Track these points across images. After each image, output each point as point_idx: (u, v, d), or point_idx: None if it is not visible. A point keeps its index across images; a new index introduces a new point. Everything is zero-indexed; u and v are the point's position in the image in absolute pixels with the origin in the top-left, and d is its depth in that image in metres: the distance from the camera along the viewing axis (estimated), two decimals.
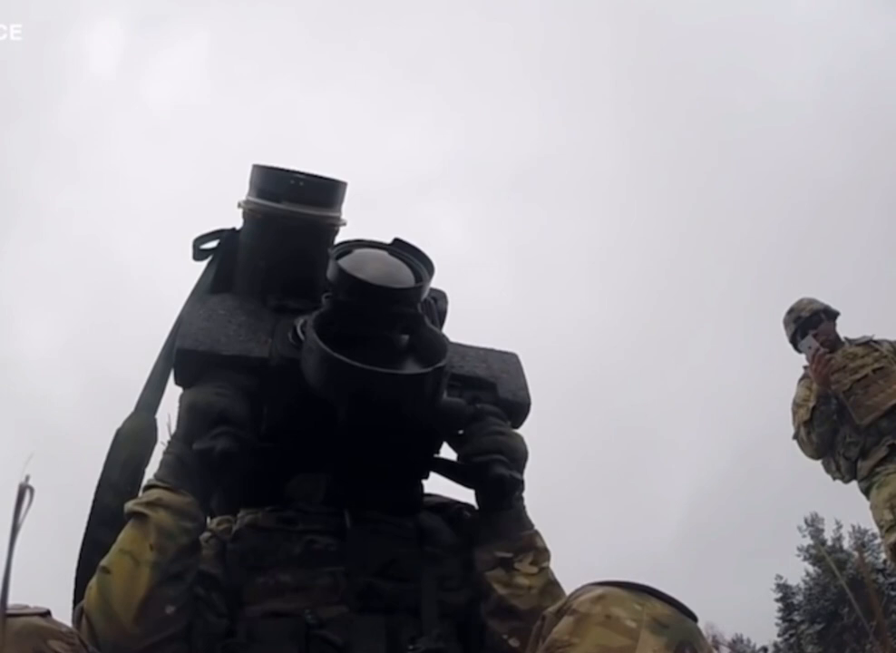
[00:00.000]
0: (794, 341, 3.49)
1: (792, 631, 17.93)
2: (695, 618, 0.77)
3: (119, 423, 1.10)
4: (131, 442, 1.07)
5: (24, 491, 0.38)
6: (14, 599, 0.71)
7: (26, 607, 0.76)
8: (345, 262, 1.00)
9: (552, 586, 0.98)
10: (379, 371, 0.91)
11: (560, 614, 0.78)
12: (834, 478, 3.38)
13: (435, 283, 1.11)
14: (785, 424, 3.46)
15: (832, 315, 3.51)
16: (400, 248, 1.07)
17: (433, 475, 1.15)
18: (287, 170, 1.11)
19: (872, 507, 3.19)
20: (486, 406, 1.07)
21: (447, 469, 1.12)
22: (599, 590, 0.76)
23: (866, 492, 3.22)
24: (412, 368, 0.98)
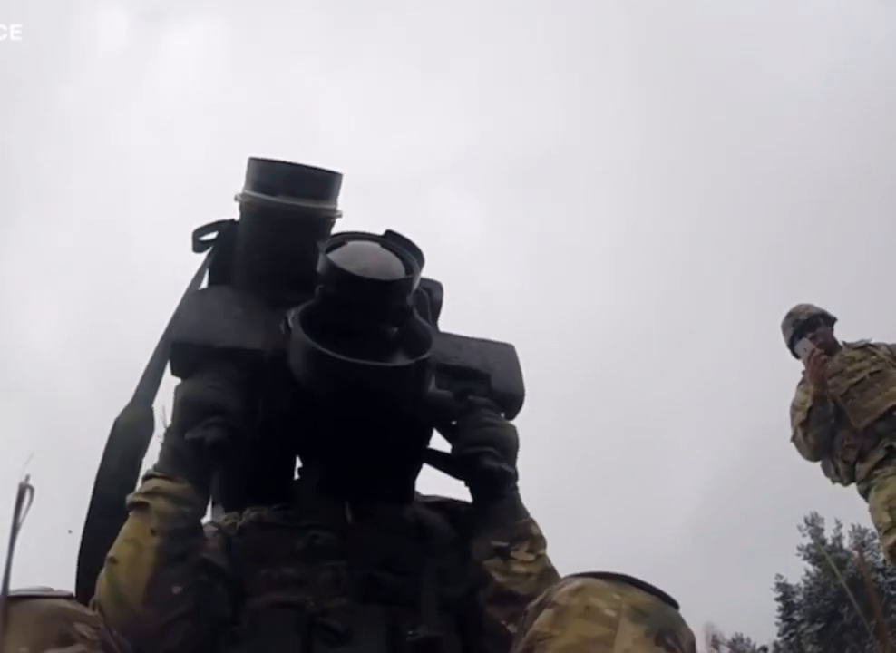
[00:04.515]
0: (792, 345, 3.48)
1: (792, 631, 17.95)
2: (676, 606, 0.77)
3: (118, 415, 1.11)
4: (128, 432, 1.07)
5: (24, 490, 0.38)
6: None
7: (51, 589, 0.77)
8: (334, 255, 1.00)
9: (550, 573, 0.98)
10: (361, 363, 0.92)
11: (540, 607, 0.78)
12: (833, 481, 3.37)
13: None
14: (786, 425, 3.47)
15: (829, 320, 3.51)
16: (392, 239, 1.07)
17: (428, 470, 1.15)
18: (283, 163, 1.11)
19: (871, 509, 3.18)
20: (478, 398, 1.08)
21: (439, 460, 1.13)
22: (579, 582, 0.77)
23: (864, 494, 3.22)
24: (399, 360, 0.98)
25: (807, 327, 3.44)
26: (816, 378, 3.20)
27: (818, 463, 3.44)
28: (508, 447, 1.05)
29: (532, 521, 1.03)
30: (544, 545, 1.01)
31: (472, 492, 1.07)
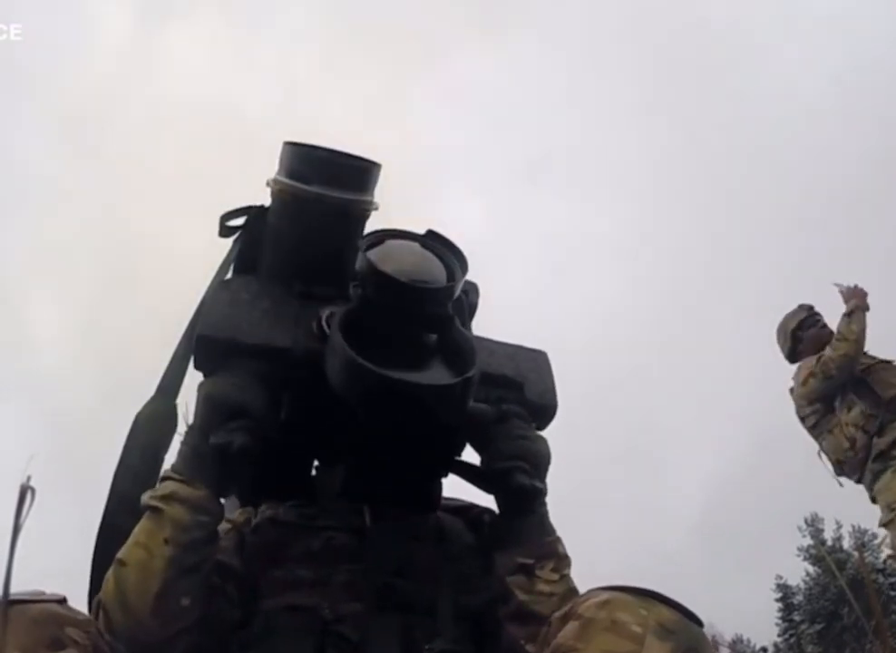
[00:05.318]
0: (800, 329, 3.49)
1: (792, 631, 17.94)
2: (700, 624, 0.76)
3: (133, 409, 1.08)
4: (149, 427, 1.04)
5: (25, 491, 0.37)
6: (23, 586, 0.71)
7: (43, 593, 0.76)
8: (374, 255, 0.95)
9: (572, 593, 0.95)
10: (406, 381, 0.89)
11: (565, 619, 0.77)
12: (843, 458, 3.28)
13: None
14: (787, 426, 3.46)
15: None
16: (433, 240, 1.03)
17: (453, 477, 1.13)
18: (320, 149, 1.06)
19: (884, 489, 3.14)
20: (511, 407, 1.05)
21: (468, 472, 1.10)
22: (605, 595, 0.76)
23: (878, 474, 3.17)
24: (438, 371, 0.95)
25: (811, 322, 3.48)
26: (862, 295, 3.28)
27: (819, 462, 3.43)
28: (539, 462, 1.02)
29: (559, 540, 1.01)
30: (569, 565, 0.99)
31: (501, 506, 1.05)
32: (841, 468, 3.35)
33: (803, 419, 3.44)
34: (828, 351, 3.27)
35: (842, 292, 3.36)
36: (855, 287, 3.34)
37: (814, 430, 3.40)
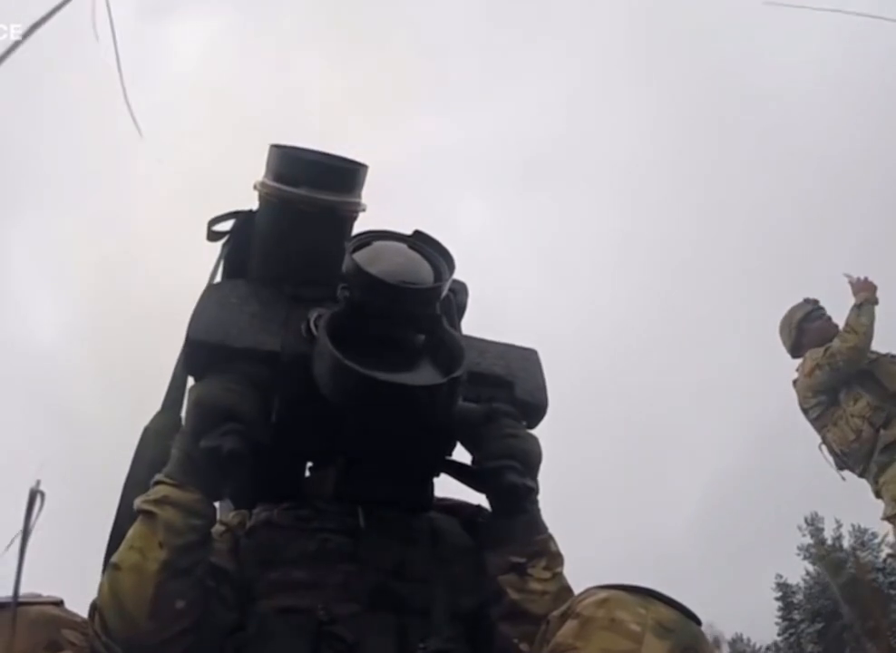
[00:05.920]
0: (806, 320, 3.49)
1: (792, 630, 17.93)
2: (699, 622, 0.77)
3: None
4: (157, 440, 1.04)
5: (34, 495, 0.38)
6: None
7: (39, 595, 0.77)
8: (360, 256, 0.95)
9: (565, 591, 0.95)
10: (392, 382, 0.89)
11: (564, 617, 0.78)
12: (847, 450, 3.28)
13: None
14: (787, 424, 3.46)
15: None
16: (420, 241, 1.03)
17: (444, 476, 1.13)
18: (306, 151, 1.06)
19: (891, 481, 3.14)
20: (501, 406, 1.05)
21: (459, 472, 1.10)
22: (604, 594, 0.76)
23: (884, 466, 3.17)
24: (427, 372, 0.95)
25: (817, 314, 3.49)
26: (870, 290, 3.29)
27: (821, 461, 3.44)
28: (530, 460, 1.03)
29: (551, 537, 1.01)
30: (562, 563, 0.99)
31: (493, 504, 1.05)
32: (843, 461, 3.35)
33: (806, 410, 3.44)
34: (836, 343, 3.27)
35: (851, 284, 3.37)
36: (865, 279, 3.34)
37: (818, 421, 3.40)
